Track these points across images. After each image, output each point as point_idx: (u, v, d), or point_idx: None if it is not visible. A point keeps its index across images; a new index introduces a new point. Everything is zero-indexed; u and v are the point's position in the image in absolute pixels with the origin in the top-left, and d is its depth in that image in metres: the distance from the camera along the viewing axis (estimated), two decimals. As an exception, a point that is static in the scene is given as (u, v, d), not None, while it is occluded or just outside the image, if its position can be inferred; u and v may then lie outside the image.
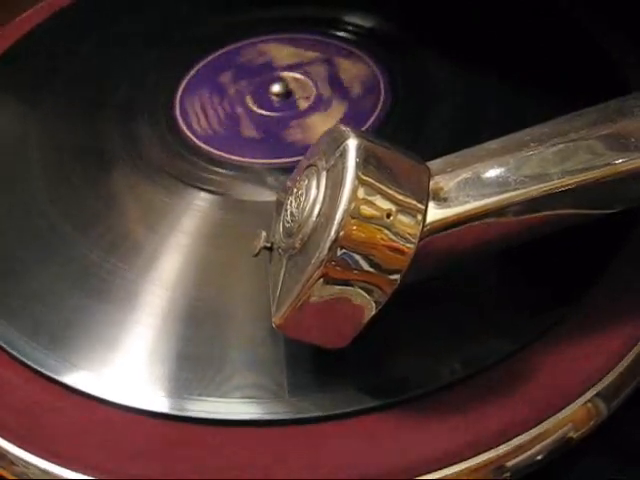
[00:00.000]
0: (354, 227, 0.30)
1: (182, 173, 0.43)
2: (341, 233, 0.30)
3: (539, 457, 0.33)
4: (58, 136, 0.46)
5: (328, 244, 0.30)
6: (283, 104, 0.46)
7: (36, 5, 0.55)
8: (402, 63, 0.48)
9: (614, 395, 0.35)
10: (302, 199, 0.32)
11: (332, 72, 0.48)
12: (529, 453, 0.33)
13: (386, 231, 0.30)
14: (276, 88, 0.46)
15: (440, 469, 0.32)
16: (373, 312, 0.31)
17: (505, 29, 0.50)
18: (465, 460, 0.32)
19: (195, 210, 0.41)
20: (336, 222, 0.30)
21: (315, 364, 0.35)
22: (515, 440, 0.33)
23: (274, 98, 0.46)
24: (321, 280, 0.30)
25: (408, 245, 0.31)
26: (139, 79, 0.49)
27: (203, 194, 0.41)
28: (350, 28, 0.51)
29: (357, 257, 0.30)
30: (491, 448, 0.33)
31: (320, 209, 0.31)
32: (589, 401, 0.34)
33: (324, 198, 0.31)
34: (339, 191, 0.30)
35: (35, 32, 0.53)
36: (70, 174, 0.43)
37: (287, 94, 0.46)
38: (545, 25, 0.50)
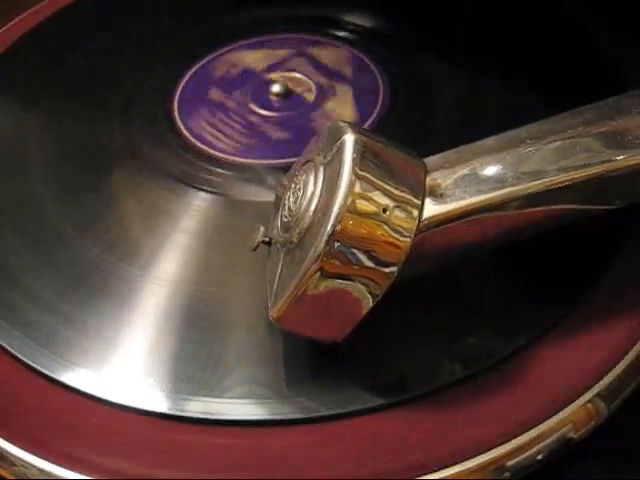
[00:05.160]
0: (350, 222, 0.30)
1: (181, 173, 0.43)
2: (338, 227, 0.30)
3: (539, 457, 0.33)
4: (58, 136, 0.46)
5: (325, 238, 0.30)
6: (283, 104, 0.47)
7: (36, 5, 0.55)
8: (401, 63, 0.48)
9: (614, 395, 0.35)
10: (300, 194, 0.33)
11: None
12: (529, 453, 0.33)
13: (382, 226, 0.30)
14: (276, 88, 0.47)
15: (440, 469, 0.32)
16: (370, 306, 0.31)
17: (504, 29, 0.50)
18: (465, 460, 0.32)
19: (194, 210, 0.41)
20: (333, 216, 0.30)
21: (315, 364, 0.35)
22: (515, 440, 0.33)
23: (273, 98, 0.47)
24: (318, 274, 0.30)
25: (404, 240, 0.31)
26: (139, 79, 0.49)
27: (202, 194, 0.41)
28: (349, 28, 0.51)
29: (353, 251, 0.30)
30: (491, 448, 0.33)
31: (317, 204, 0.31)
32: (589, 401, 0.34)
33: (321, 193, 0.32)
34: (336, 186, 0.30)
35: (35, 32, 0.54)
36: (70, 174, 0.44)
37: (287, 94, 0.47)
38: (544, 25, 0.50)
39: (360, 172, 0.30)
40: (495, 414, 0.33)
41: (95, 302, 0.38)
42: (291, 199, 0.33)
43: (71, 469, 0.33)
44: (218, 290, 0.38)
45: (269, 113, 0.46)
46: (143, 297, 0.38)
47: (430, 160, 0.33)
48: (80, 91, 0.49)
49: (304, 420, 0.33)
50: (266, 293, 0.34)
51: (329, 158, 0.32)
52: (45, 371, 0.35)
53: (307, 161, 0.34)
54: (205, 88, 0.48)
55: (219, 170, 0.43)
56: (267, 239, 0.34)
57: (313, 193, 0.32)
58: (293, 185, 0.34)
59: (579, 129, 0.33)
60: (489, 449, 0.33)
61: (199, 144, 0.44)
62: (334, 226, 0.30)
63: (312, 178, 0.32)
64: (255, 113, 0.46)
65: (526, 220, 0.33)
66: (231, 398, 0.34)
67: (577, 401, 0.34)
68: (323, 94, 0.47)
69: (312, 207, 0.32)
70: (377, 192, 0.31)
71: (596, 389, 0.34)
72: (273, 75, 0.48)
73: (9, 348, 0.36)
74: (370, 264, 0.31)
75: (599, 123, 0.33)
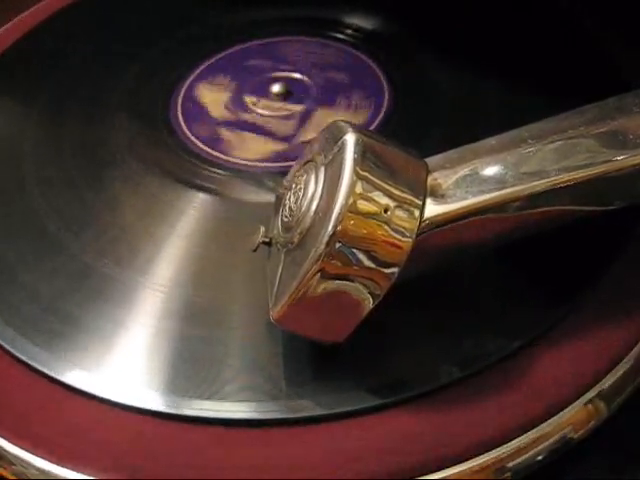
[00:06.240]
0: (351, 222, 0.30)
1: (180, 174, 0.43)
2: (338, 228, 0.30)
3: (539, 457, 0.33)
4: (56, 137, 0.46)
5: (326, 239, 0.30)
6: (284, 103, 0.46)
7: (36, 5, 0.55)
8: (403, 64, 0.48)
9: (614, 396, 0.35)
10: (300, 194, 0.32)
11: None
12: (530, 454, 0.33)
13: (383, 226, 0.30)
14: (276, 88, 0.47)
15: (440, 469, 0.32)
16: (370, 306, 0.31)
17: (505, 29, 0.50)
18: (466, 461, 0.32)
19: (193, 211, 0.41)
20: (334, 217, 0.30)
21: (314, 364, 0.35)
22: (516, 441, 0.33)
23: (274, 98, 0.46)
24: (318, 274, 0.30)
25: (405, 240, 0.31)
26: (138, 79, 0.49)
27: (201, 195, 0.41)
28: (350, 30, 0.51)
29: (354, 251, 0.30)
30: (492, 449, 0.33)
31: (318, 204, 0.31)
32: (589, 402, 0.34)
33: (322, 193, 0.32)
34: (337, 186, 0.30)
35: (35, 32, 0.54)
36: (68, 174, 0.44)
37: (287, 94, 0.47)
38: (545, 25, 0.50)
39: (361, 172, 0.30)
40: (495, 414, 0.33)
41: (94, 302, 0.37)
42: (292, 199, 0.33)
43: (71, 469, 0.33)
44: (218, 290, 0.38)
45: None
46: (142, 297, 0.38)
47: (431, 160, 0.33)
48: (79, 91, 0.49)
49: (304, 420, 0.33)
50: (266, 294, 0.34)
51: (330, 158, 0.32)
52: (45, 371, 0.35)
53: (308, 161, 0.34)
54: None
55: (219, 171, 0.43)
56: (267, 239, 0.34)
57: (314, 193, 0.32)
58: (294, 185, 0.34)
59: (580, 129, 0.33)
60: (490, 449, 0.33)
61: (198, 144, 0.44)
62: (335, 226, 0.30)
63: (313, 178, 0.32)
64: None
65: (527, 220, 0.33)
66: (230, 398, 0.34)
67: (577, 401, 0.34)
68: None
69: (313, 207, 0.32)
70: (378, 192, 0.31)
71: (596, 389, 0.34)
72: (273, 75, 0.48)
73: (9, 348, 0.36)
74: (371, 265, 0.31)
75: (600, 123, 0.33)
